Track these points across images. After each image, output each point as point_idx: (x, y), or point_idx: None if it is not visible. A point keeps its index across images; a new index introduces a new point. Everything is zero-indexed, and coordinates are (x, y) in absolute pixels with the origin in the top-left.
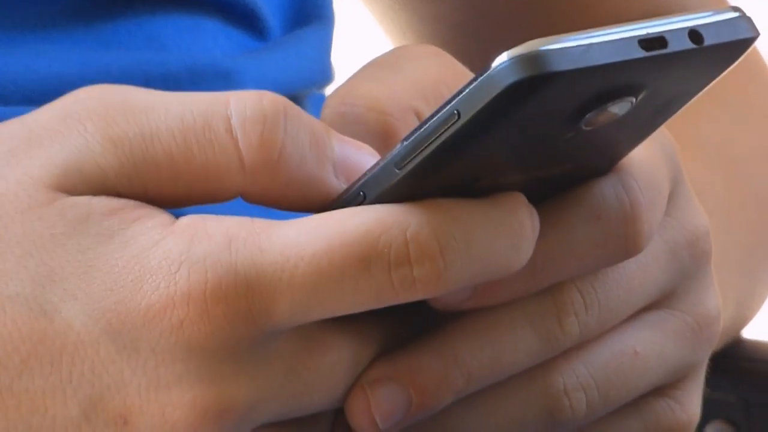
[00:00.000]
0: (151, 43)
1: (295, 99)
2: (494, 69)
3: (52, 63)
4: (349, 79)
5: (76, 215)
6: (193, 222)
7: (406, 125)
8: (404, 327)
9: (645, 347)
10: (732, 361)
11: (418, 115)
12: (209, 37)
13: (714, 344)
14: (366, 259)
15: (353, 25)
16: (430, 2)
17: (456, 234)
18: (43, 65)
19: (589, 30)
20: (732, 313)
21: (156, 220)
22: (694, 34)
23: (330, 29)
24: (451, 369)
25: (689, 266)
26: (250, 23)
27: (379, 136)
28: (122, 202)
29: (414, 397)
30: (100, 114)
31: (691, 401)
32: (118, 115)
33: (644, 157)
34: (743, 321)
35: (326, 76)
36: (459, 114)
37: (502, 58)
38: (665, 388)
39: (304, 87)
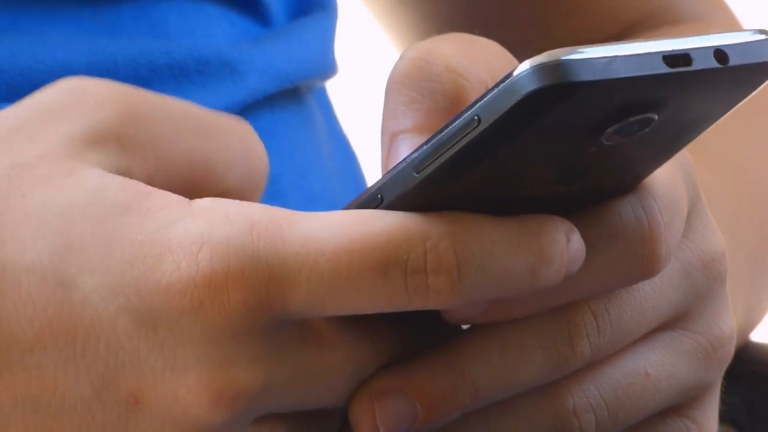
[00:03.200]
0: (154, 30)
1: (298, 91)
2: (516, 76)
3: (57, 51)
4: (428, 39)
5: (93, 186)
6: (212, 204)
7: (477, 96)
8: (415, 338)
9: (656, 368)
10: (736, 364)
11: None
12: (213, 23)
13: (727, 364)
14: (385, 263)
15: (355, 21)
16: (430, 0)
17: (474, 249)
18: (48, 53)
19: (613, 43)
20: (741, 319)
21: (170, 197)
22: (720, 53)
23: (333, 20)
24: (459, 385)
25: (703, 287)
26: (253, 10)
27: (451, 97)
28: (131, 180)
29: (420, 411)
30: (114, 91)
31: (708, 421)
32: (128, 94)
33: (664, 177)
34: (752, 326)
35: (329, 67)
36: (479, 120)
37: (524, 66)
38: (681, 408)
39: (307, 78)
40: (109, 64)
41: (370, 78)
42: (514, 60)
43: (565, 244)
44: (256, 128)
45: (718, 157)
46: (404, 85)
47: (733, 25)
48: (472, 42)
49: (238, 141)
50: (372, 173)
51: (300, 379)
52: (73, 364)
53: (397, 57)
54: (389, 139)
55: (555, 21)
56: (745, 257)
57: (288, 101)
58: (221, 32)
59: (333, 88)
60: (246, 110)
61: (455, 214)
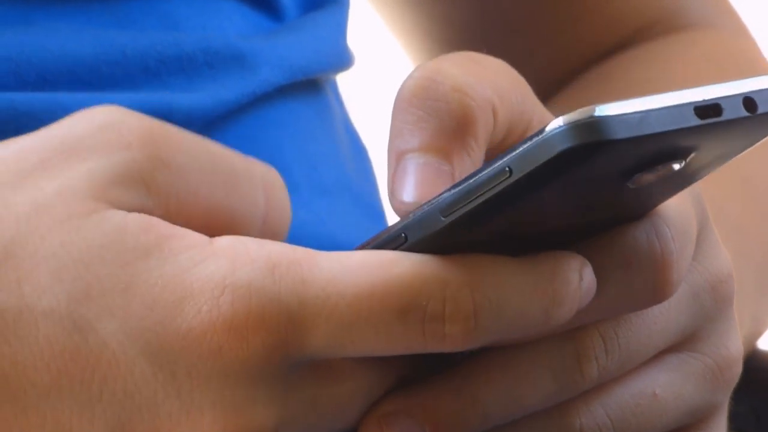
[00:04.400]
0: (165, 22)
1: (313, 83)
2: (549, 132)
3: (66, 42)
4: (436, 59)
5: (113, 228)
6: (233, 244)
7: (484, 116)
8: (423, 360)
9: (664, 389)
10: (743, 372)
11: (494, 110)
12: (224, 17)
13: (734, 385)
14: (404, 309)
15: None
16: (439, 2)
17: (491, 297)
18: (57, 45)
19: (643, 95)
20: (747, 330)
21: (191, 238)
22: (749, 101)
23: (345, 13)
24: (467, 408)
25: (711, 309)
26: (265, 3)
27: (457, 117)
28: (152, 218)
29: None
30: (145, 131)
31: None
32: (160, 136)
33: (676, 203)
34: (758, 336)
35: (343, 60)
36: (511, 171)
37: (558, 123)
38: (689, 428)
39: (320, 71)
40: (117, 56)
41: (378, 74)
42: (521, 78)
43: (578, 283)
44: (267, 119)
45: (725, 171)
46: (411, 104)
47: (741, 30)
48: (478, 61)
49: (262, 191)
50: (380, 170)
51: (313, 414)
52: (88, 408)
53: (403, 58)
54: (396, 158)
55: (563, 26)
56: (752, 269)
57: (302, 92)
58: (233, 26)
59: (342, 83)
60: (256, 102)
61: (474, 260)
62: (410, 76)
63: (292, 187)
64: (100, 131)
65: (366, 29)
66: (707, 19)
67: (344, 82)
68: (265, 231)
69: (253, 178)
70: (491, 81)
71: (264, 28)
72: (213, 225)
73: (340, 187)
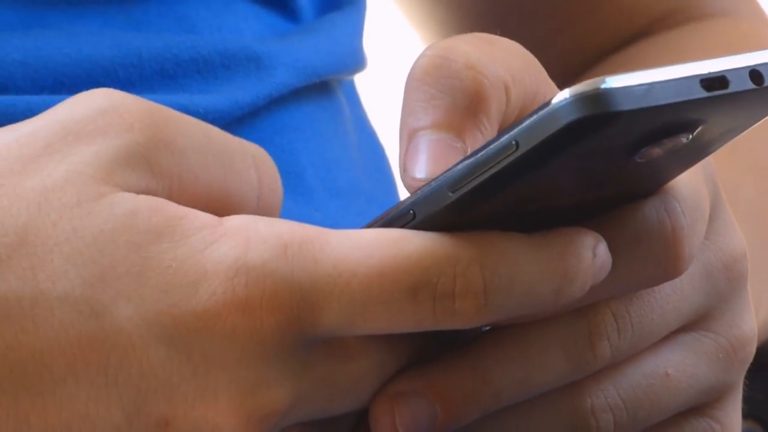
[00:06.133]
0: (181, 25)
1: (326, 85)
2: (556, 105)
3: (83, 46)
4: (448, 38)
5: (124, 211)
6: (244, 223)
7: (497, 94)
8: (434, 339)
9: (677, 369)
10: (759, 359)
11: (506, 89)
12: (241, 19)
13: (748, 365)
14: (415, 287)
15: (381, 13)
16: None
17: (502, 273)
18: (74, 48)
19: (649, 68)
20: (765, 315)
21: (202, 219)
22: (755, 74)
23: (362, 14)
24: (479, 387)
25: (725, 288)
26: (281, 5)
27: (470, 94)
28: (162, 200)
29: (440, 413)
30: (145, 114)
31: (731, 421)
32: (160, 118)
33: (687, 179)
34: None
35: (358, 61)
36: (517, 145)
37: (564, 95)
38: (704, 408)
39: (336, 72)
40: (134, 59)
41: (395, 72)
42: (534, 60)
43: (591, 260)
44: (281, 122)
45: (740, 155)
46: (424, 82)
47: (760, 18)
48: (492, 42)
49: (254, 169)
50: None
51: (326, 393)
52: (105, 392)
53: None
54: (408, 135)
55: (580, 15)
56: None
57: (316, 95)
58: (249, 28)
59: (360, 82)
60: (271, 104)
61: (484, 236)
62: (422, 55)
63: (306, 189)
64: (101, 115)
65: (385, 27)
66: (726, 8)
67: (362, 81)
68: (261, 208)
69: (246, 157)
70: (504, 60)
71: (280, 29)
72: (213, 205)
73: (353, 189)
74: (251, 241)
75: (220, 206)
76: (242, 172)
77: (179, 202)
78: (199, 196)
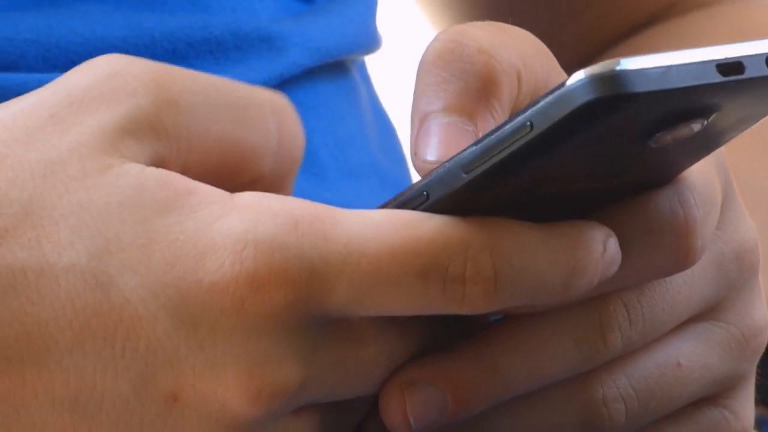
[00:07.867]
0: (195, 5)
1: (341, 64)
2: (571, 85)
3: (96, 25)
4: (461, 24)
5: (130, 183)
6: (255, 199)
7: (509, 79)
8: (445, 327)
9: (688, 359)
10: None
11: (518, 75)
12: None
13: (760, 354)
14: (425, 269)
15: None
16: None
17: (513, 262)
18: (87, 27)
19: (666, 51)
20: None
21: (212, 194)
22: None
23: None
24: (490, 377)
25: (736, 279)
26: None
27: (482, 78)
28: (171, 174)
29: (450, 402)
30: (149, 76)
31: (744, 410)
32: (165, 78)
33: (700, 170)
34: None
35: (372, 41)
36: (532, 126)
37: (579, 76)
38: (717, 397)
39: (350, 52)
40: (146, 39)
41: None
42: (545, 48)
43: (601, 254)
44: (294, 101)
45: (751, 145)
46: (436, 66)
47: None
48: (504, 29)
49: (272, 120)
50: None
51: (335, 374)
52: (112, 364)
53: (432, 37)
54: (420, 119)
55: (590, 2)
56: None
57: (330, 74)
58: (263, 8)
59: (371, 66)
60: (284, 83)
61: (496, 222)
62: (435, 39)
63: (320, 170)
64: (106, 81)
65: (396, 10)
66: None
67: (373, 62)
68: (280, 159)
69: (262, 105)
70: (516, 47)
71: (293, 10)
72: (227, 160)
73: (367, 169)
74: (261, 216)
75: (236, 160)
76: (258, 122)
77: (189, 160)
78: (212, 151)
